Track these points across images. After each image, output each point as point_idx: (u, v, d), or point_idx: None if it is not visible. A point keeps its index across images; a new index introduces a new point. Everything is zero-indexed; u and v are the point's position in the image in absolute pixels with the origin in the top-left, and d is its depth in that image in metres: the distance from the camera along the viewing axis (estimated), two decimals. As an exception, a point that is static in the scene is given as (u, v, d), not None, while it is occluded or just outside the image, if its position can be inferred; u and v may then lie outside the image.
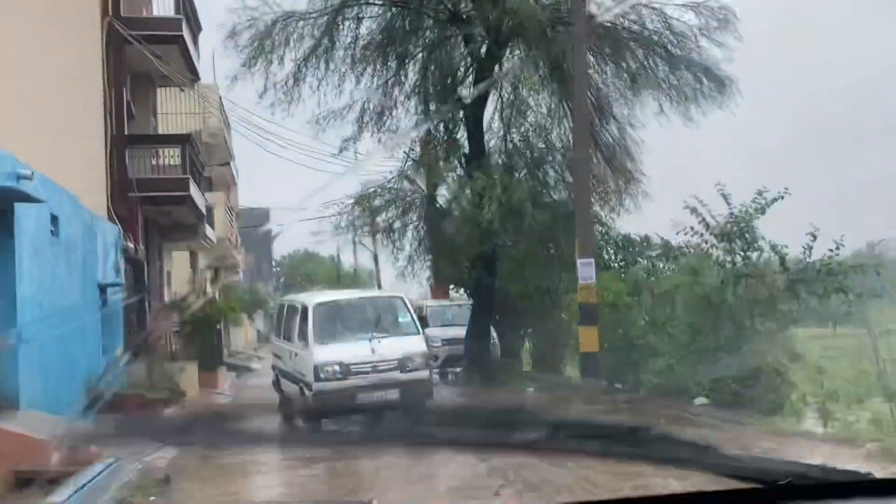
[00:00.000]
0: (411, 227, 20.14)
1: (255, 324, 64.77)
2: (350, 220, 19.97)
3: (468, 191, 18.03)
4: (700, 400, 12.22)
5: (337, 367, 13.44)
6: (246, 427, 2.50)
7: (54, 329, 13.93)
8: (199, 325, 22.60)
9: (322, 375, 13.40)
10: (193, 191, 22.61)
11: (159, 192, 21.68)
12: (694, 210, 13.13)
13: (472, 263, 18.09)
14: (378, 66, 19.69)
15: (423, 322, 23.35)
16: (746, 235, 12.60)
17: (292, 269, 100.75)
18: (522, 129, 19.04)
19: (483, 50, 18.70)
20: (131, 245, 19.94)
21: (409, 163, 19.73)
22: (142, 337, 21.12)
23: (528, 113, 18.89)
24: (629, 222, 19.05)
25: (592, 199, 17.06)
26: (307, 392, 13.65)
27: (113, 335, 17.98)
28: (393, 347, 13.86)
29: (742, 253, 12.78)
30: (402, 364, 13.70)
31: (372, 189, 19.62)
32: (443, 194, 19.95)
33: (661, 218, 17.84)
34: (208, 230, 26.79)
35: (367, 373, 13.45)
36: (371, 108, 20.24)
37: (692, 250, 13.71)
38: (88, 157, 19.42)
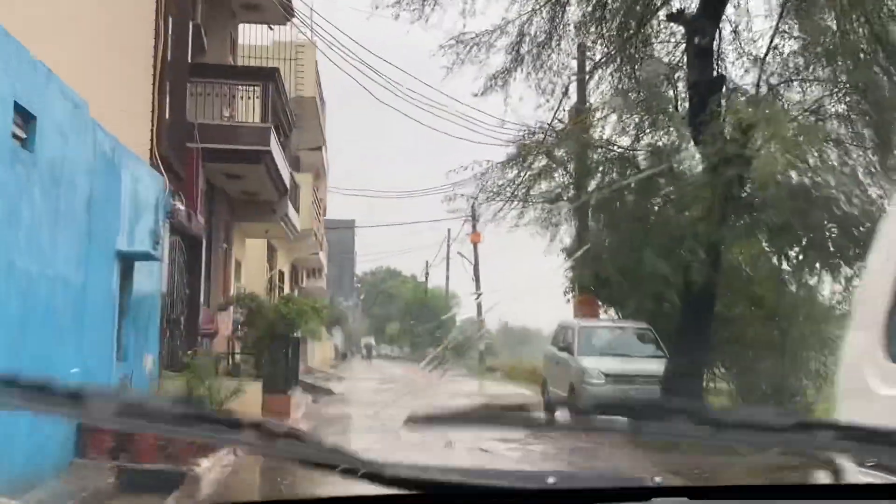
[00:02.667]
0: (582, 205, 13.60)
1: (333, 339, 59.46)
2: (496, 187, 13.54)
3: (688, 161, 11.52)
4: None
5: None
6: None
7: (15, 315, 7.92)
8: (273, 330, 16.50)
9: None
10: (275, 148, 16.62)
11: (229, 144, 15.74)
12: None
13: (685, 269, 11.66)
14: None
15: (569, 349, 17.13)
16: None
17: (374, 287, 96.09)
18: (792, 73, 12.16)
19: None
20: (181, 207, 13.94)
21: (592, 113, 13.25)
22: (190, 341, 15.14)
23: (806, 51, 11.99)
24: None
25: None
26: None
27: (140, 334, 11.96)
28: None
29: None
30: None
31: (536, 137, 13.13)
32: (633, 164, 13.36)
33: None
34: (291, 212, 20.74)
35: None
36: (533, 33, 13.89)
37: None
38: (129, 80, 13.57)
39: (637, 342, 16.93)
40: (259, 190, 18.16)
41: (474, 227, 47.81)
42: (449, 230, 64.09)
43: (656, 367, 15.50)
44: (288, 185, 19.56)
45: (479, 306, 51.64)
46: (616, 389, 15.68)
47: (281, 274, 29.20)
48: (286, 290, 29.72)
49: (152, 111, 13.84)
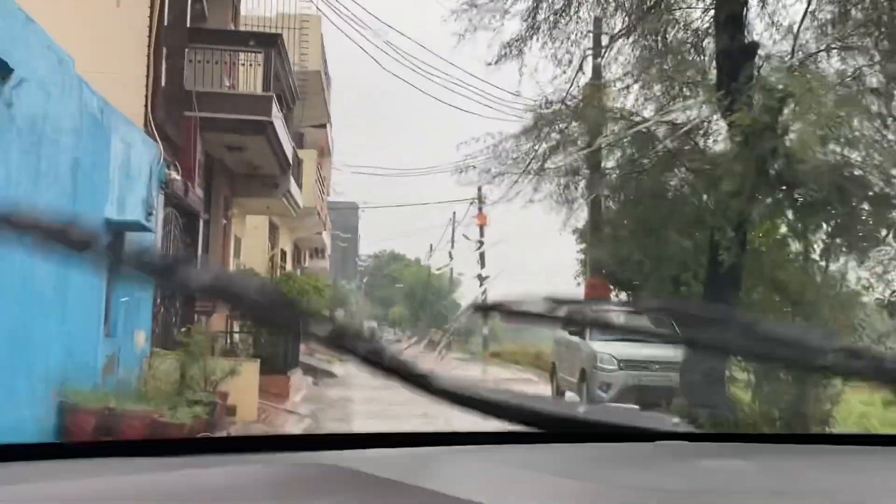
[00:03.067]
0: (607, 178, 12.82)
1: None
2: (510, 159, 12.82)
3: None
4: None
5: None
6: None
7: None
8: (271, 309, 15.80)
9: None
10: (277, 119, 15.92)
11: (229, 113, 15.04)
12: None
13: (712, 248, 10.99)
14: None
15: (580, 333, 16.43)
16: None
17: (377, 270, 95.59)
18: (830, 41, 11.22)
19: None
20: (177, 178, 13.25)
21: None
22: (186, 319, 14.49)
23: (843, 18, 11.02)
24: None
25: None
26: None
27: (131, 310, 11.31)
28: None
29: None
30: None
31: (553, 108, 12.40)
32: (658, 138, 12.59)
33: None
34: (293, 187, 20.04)
35: None
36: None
37: None
38: (123, 43, 12.89)
39: (652, 327, 16.24)
40: (260, 163, 17.46)
41: (481, 208, 47.19)
42: (454, 213, 63.37)
43: (672, 353, 14.84)
44: (290, 160, 18.85)
45: (484, 292, 51.01)
46: (630, 376, 15.03)
47: (283, 253, 28.54)
48: (288, 269, 29.10)
49: (147, 76, 13.15)
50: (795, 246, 14.13)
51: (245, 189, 18.74)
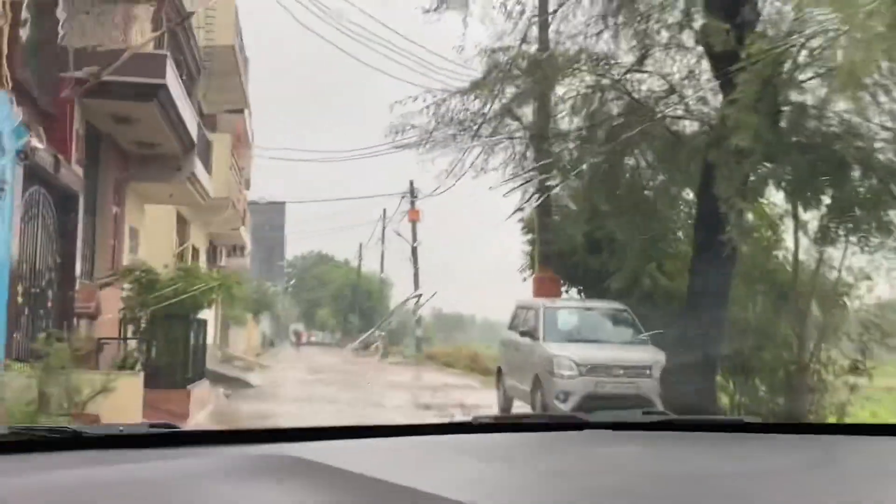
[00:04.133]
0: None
1: (260, 326, 56.10)
2: (457, 121, 10.58)
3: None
4: None
5: None
6: None
7: None
8: (168, 310, 13.27)
9: None
10: (173, 83, 13.40)
11: (113, 75, 12.47)
12: None
13: (712, 223, 8.92)
14: None
15: (532, 334, 14.41)
16: None
17: (304, 272, 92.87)
18: None
19: None
20: (39, 146, 10.67)
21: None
22: (61, 323, 11.91)
23: None
24: None
25: None
26: None
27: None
28: None
29: None
30: None
31: (508, 52, 10.17)
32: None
33: None
34: (200, 171, 17.45)
35: None
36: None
37: None
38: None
39: (612, 326, 14.24)
40: (157, 140, 14.90)
41: (413, 202, 44.81)
42: (385, 210, 60.91)
43: (639, 356, 12.87)
44: (195, 139, 16.31)
45: (416, 294, 48.66)
46: (592, 382, 12.96)
47: (195, 250, 25.81)
48: (199, 264, 26.36)
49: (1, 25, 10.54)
50: (781, 230, 12.24)
51: (141, 172, 16.11)
